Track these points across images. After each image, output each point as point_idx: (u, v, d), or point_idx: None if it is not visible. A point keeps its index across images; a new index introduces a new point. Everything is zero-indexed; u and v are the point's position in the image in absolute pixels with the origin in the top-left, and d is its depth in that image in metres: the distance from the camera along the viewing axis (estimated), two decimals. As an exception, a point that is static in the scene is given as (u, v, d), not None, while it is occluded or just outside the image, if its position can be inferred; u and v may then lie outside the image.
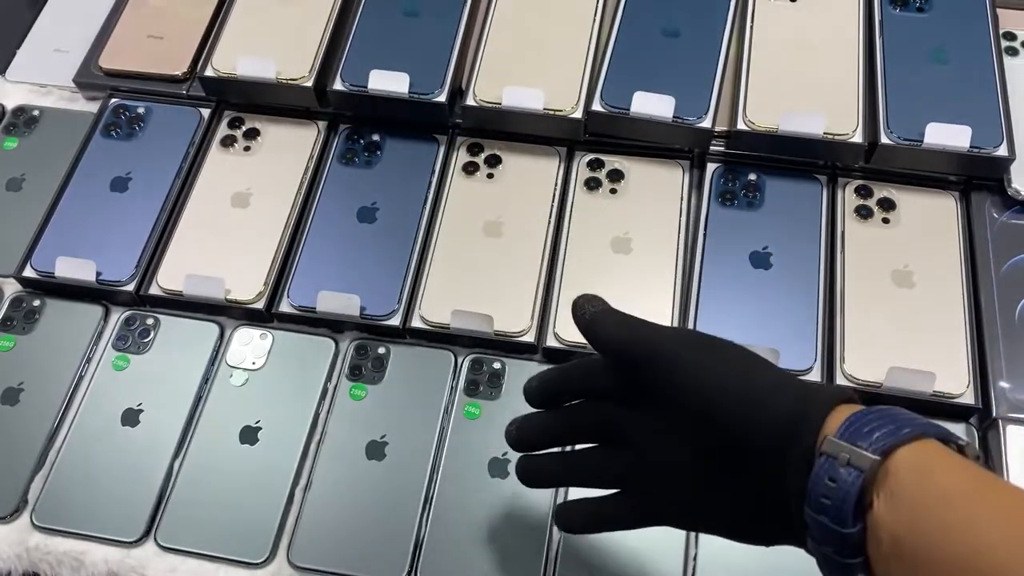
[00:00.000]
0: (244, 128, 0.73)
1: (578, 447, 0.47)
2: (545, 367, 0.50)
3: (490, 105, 0.68)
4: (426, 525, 0.57)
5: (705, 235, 0.66)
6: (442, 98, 0.69)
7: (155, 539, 0.58)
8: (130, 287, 0.66)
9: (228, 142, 0.72)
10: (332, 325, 0.65)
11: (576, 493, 0.58)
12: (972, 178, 0.67)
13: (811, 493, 0.35)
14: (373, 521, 0.57)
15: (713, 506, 0.42)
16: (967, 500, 0.32)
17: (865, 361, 0.60)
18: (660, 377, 0.41)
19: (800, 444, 0.36)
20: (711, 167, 0.69)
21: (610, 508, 0.46)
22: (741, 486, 0.39)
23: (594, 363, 0.46)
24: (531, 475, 0.48)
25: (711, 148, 0.69)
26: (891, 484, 0.33)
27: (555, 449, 0.48)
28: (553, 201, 0.68)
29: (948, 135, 0.65)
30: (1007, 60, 0.71)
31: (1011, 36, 0.73)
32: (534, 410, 0.48)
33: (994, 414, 0.58)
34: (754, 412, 0.38)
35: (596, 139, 0.70)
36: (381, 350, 0.63)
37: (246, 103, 0.73)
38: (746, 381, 0.39)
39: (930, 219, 0.66)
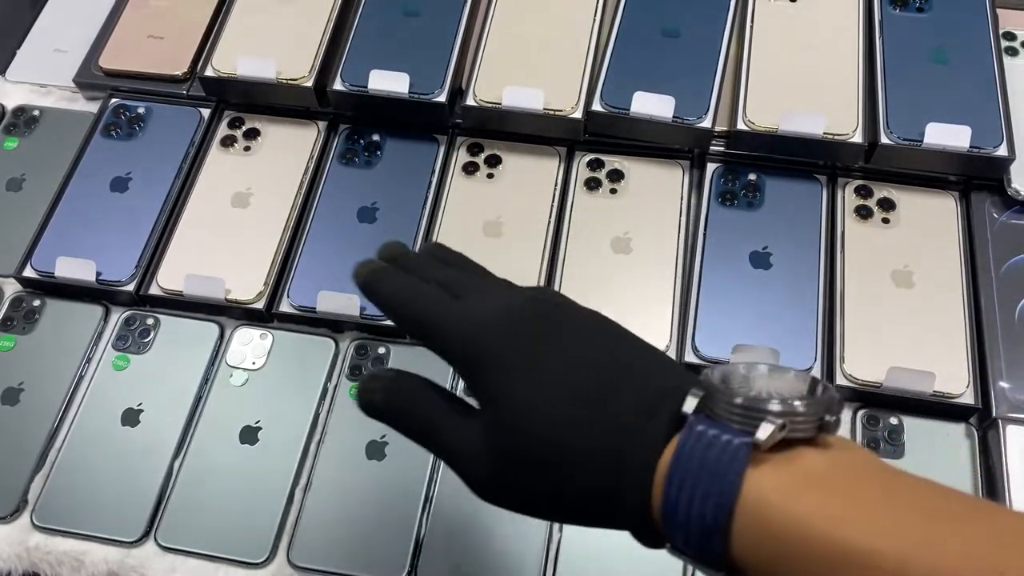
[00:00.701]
0: (244, 128, 0.73)
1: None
2: None
3: (490, 105, 0.68)
4: (426, 525, 0.57)
5: (705, 235, 0.66)
6: (442, 98, 0.69)
7: (155, 539, 0.58)
8: (130, 287, 0.66)
9: (228, 142, 0.72)
10: (332, 325, 0.65)
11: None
12: (972, 178, 0.67)
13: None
14: (373, 521, 0.57)
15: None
16: (811, 555, 0.30)
17: (865, 361, 0.60)
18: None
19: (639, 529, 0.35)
20: (711, 167, 0.69)
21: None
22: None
23: None
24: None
25: (711, 148, 0.69)
26: (739, 555, 0.31)
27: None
28: (553, 201, 0.68)
29: (948, 135, 0.64)
30: (1007, 60, 0.71)
31: (1011, 36, 0.73)
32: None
33: (994, 414, 0.58)
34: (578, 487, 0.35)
35: (596, 139, 0.70)
36: (381, 350, 0.63)
37: (246, 103, 0.73)
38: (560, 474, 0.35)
39: (930, 219, 0.66)
